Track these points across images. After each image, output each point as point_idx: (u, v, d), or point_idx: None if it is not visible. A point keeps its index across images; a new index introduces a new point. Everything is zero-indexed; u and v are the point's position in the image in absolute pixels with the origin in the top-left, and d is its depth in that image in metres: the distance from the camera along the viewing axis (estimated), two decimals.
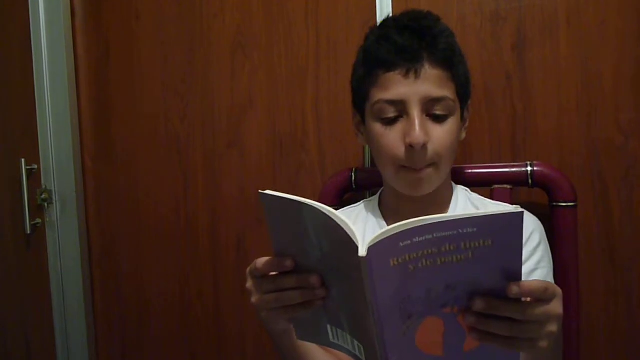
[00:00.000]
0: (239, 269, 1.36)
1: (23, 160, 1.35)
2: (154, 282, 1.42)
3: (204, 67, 1.35)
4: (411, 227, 0.52)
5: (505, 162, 1.15)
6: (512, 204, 0.99)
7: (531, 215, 0.93)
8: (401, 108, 0.85)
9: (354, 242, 0.53)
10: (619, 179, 1.13)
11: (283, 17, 1.29)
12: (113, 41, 1.40)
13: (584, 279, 1.09)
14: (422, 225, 0.52)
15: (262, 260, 0.66)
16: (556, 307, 0.58)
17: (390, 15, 0.92)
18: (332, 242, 0.58)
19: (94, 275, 1.45)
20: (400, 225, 0.52)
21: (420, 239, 0.53)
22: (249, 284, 0.69)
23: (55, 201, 1.39)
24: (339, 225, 0.55)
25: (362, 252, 0.52)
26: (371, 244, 0.52)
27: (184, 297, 1.40)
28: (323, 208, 0.57)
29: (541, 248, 0.90)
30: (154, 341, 1.43)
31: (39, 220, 1.39)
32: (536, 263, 0.88)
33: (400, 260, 0.53)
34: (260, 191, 0.62)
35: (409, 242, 0.53)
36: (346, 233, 0.54)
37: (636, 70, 1.11)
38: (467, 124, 0.96)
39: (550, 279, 0.87)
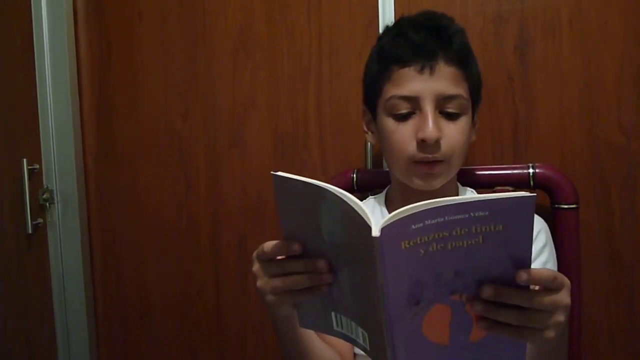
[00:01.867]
0: (240, 268, 1.36)
1: (25, 160, 1.35)
2: (156, 281, 1.42)
3: (206, 67, 1.35)
4: (423, 209, 0.52)
5: (507, 164, 1.15)
6: None
7: (538, 216, 0.93)
8: (415, 104, 0.85)
9: (367, 223, 0.53)
10: (620, 181, 1.13)
11: (285, 17, 1.29)
12: (115, 40, 1.40)
13: (585, 280, 1.09)
14: (434, 208, 0.52)
15: (269, 244, 0.66)
16: (564, 297, 0.58)
17: (404, 15, 0.93)
18: (344, 224, 0.58)
19: (95, 275, 1.45)
20: (413, 207, 0.52)
21: (432, 221, 0.53)
22: (255, 267, 0.68)
23: (57, 201, 1.39)
24: (352, 207, 0.55)
25: (376, 232, 0.52)
26: (384, 225, 0.52)
27: (186, 297, 1.40)
28: (336, 190, 0.57)
29: (547, 249, 0.90)
30: (155, 341, 1.43)
31: (40, 220, 1.38)
32: (543, 263, 0.89)
33: (411, 243, 0.53)
34: (272, 172, 0.61)
35: (421, 224, 0.53)
36: (359, 214, 0.54)
37: (638, 72, 1.11)
38: (477, 126, 0.96)
39: None
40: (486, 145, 1.18)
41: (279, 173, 0.61)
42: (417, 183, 0.89)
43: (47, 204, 1.39)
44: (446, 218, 0.53)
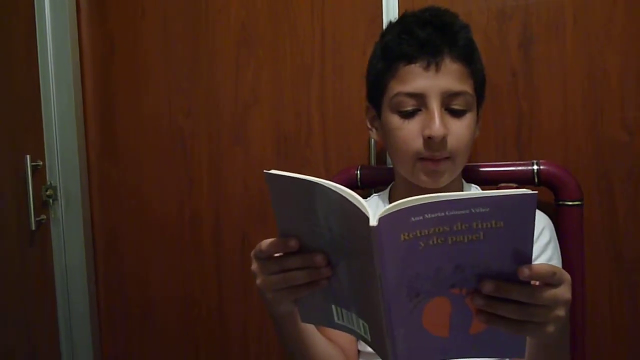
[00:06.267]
0: (242, 266, 1.36)
1: (28, 156, 1.35)
2: (158, 279, 1.42)
3: (209, 64, 1.35)
4: (423, 202, 0.52)
5: (511, 161, 1.15)
6: None
7: (542, 212, 0.93)
8: (420, 101, 0.86)
9: (364, 213, 0.53)
10: (624, 177, 1.12)
11: (288, 14, 1.29)
12: (118, 38, 1.40)
13: (589, 277, 1.09)
14: (434, 202, 0.53)
15: (266, 242, 0.66)
16: (564, 292, 0.58)
17: (408, 11, 0.93)
18: (341, 217, 0.58)
19: (98, 272, 1.45)
20: (413, 199, 0.52)
21: (432, 215, 0.53)
22: (254, 265, 0.69)
23: (60, 198, 1.39)
24: (348, 199, 0.55)
25: (373, 222, 0.52)
26: (382, 215, 0.52)
27: (188, 294, 1.40)
28: (331, 184, 0.57)
29: (551, 245, 0.90)
30: (157, 338, 1.43)
31: (43, 217, 1.39)
32: (547, 260, 0.89)
33: (410, 236, 0.54)
34: (265, 171, 0.61)
35: (421, 217, 0.53)
36: (356, 206, 0.54)
37: None
38: (480, 122, 0.96)
39: None
40: (490, 142, 1.18)
41: (272, 171, 0.61)
42: (423, 180, 0.89)
43: (51, 201, 1.39)
44: (446, 213, 0.53)
